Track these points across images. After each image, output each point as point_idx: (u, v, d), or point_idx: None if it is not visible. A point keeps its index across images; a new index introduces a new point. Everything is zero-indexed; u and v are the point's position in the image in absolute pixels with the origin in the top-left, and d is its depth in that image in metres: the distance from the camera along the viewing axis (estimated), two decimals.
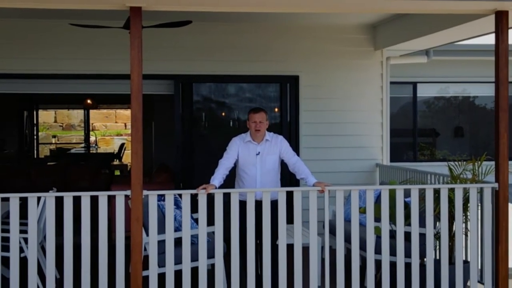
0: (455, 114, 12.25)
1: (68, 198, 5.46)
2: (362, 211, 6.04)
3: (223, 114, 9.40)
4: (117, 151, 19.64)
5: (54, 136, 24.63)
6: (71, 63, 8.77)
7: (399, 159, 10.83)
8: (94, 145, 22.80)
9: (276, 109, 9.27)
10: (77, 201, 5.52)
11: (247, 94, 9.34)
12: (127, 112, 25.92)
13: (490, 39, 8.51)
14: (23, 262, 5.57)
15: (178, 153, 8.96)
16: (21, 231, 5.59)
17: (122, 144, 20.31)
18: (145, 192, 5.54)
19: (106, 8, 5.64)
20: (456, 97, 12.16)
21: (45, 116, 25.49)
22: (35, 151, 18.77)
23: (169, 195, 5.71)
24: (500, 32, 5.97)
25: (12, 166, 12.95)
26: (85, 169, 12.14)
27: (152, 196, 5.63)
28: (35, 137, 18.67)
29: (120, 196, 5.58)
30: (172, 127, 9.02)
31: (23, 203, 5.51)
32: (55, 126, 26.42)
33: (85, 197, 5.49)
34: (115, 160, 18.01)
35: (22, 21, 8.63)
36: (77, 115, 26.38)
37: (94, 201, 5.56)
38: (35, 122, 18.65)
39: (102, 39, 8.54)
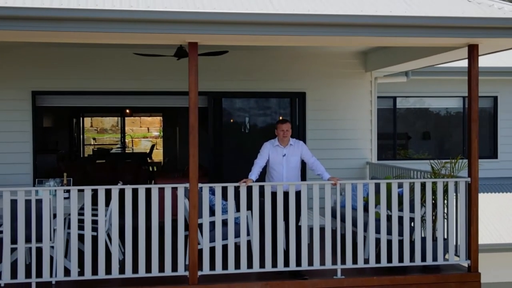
0: (424, 121, 12.50)
1: (141, 189, 5.76)
2: (366, 199, 6.37)
3: (245, 122, 9.69)
4: (149, 151, 19.79)
5: (94, 139, 24.79)
6: (118, 82, 9.05)
7: (382, 158, 11.10)
8: (127, 146, 22.93)
9: (281, 118, 9.54)
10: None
11: (265, 106, 9.65)
12: (149, 119, 26.17)
13: (457, 63, 8.79)
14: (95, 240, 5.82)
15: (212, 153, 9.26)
16: (94, 215, 5.83)
17: (153, 145, 20.43)
18: (199, 185, 5.86)
19: (171, 43, 5.86)
20: (426, 108, 12.43)
21: (84, 121, 25.61)
22: (81, 151, 19.02)
23: (218, 187, 6.02)
24: (472, 60, 6.22)
25: (68, 163, 13.20)
26: (129, 166, 12.42)
27: (205, 188, 5.95)
28: (81, 139, 18.90)
29: (180, 188, 5.89)
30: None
31: (95, 193, 5.77)
32: (90, 130, 26.53)
33: (154, 189, 5.80)
34: (147, 158, 18.18)
35: (79, 49, 8.88)
36: (109, 120, 26.54)
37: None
38: (81, 127, 18.88)
39: (147, 64, 8.80)
